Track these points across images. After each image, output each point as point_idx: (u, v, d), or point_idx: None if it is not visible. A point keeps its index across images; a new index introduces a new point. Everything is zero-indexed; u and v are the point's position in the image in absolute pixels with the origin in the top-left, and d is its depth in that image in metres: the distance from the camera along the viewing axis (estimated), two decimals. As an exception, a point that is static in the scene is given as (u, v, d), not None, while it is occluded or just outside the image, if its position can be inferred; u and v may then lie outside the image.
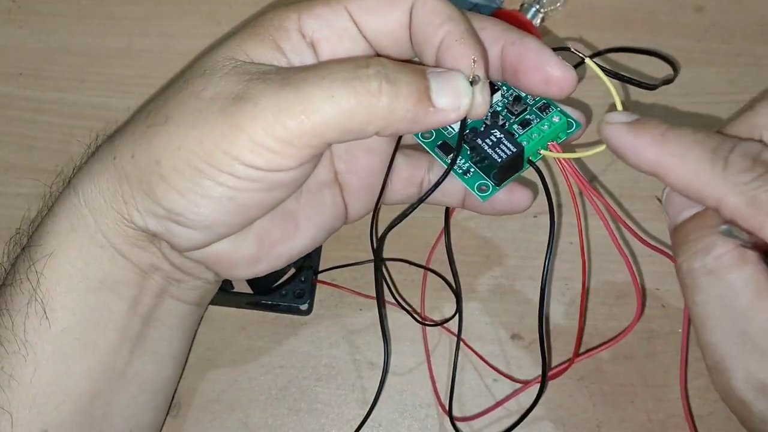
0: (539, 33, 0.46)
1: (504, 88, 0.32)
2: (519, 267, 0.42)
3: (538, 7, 0.47)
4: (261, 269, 0.32)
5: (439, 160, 0.32)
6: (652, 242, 0.35)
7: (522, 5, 0.48)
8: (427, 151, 0.32)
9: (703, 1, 0.50)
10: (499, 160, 0.29)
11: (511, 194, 0.33)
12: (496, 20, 0.30)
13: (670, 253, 0.30)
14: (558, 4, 0.49)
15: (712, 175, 0.25)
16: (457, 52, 0.27)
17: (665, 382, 0.40)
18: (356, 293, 0.41)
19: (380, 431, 0.39)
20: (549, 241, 0.32)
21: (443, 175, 0.30)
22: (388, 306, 0.40)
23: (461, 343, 0.39)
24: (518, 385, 0.39)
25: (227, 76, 0.27)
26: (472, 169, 0.31)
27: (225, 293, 0.40)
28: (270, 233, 0.31)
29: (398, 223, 0.31)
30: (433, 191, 0.30)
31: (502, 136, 0.30)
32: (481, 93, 0.27)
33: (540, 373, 0.36)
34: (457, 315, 0.39)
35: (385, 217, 0.38)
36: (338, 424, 0.39)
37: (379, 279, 0.35)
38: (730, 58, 0.48)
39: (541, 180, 0.31)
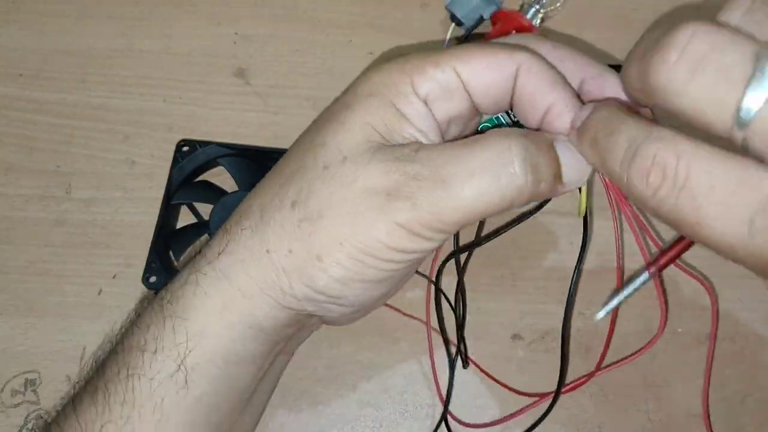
0: (539, 34, 0.46)
1: None
2: (519, 267, 0.42)
3: (538, 7, 0.47)
4: (378, 304, 0.35)
5: None
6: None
7: (522, 5, 0.48)
8: None
9: (702, 0, 0.50)
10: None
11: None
12: (576, 52, 0.31)
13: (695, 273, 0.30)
14: (558, 4, 0.49)
15: None
16: (569, 120, 0.28)
17: (665, 382, 0.40)
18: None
19: (381, 431, 0.39)
20: (583, 241, 0.33)
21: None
22: (386, 306, 0.40)
23: (461, 353, 0.39)
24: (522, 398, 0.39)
25: (372, 164, 0.28)
26: None
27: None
28: None
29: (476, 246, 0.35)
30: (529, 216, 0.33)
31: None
32: None
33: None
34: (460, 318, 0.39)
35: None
36: (338, 424, 0.39)
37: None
38: (730, 58, 0.48)
39: None
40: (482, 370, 0.40)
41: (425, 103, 0.29)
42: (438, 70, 0.29)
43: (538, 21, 0.47)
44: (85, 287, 0.42)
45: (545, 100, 0.29)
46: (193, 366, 0.29)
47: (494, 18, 0.47)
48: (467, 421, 0.39)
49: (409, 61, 0.29)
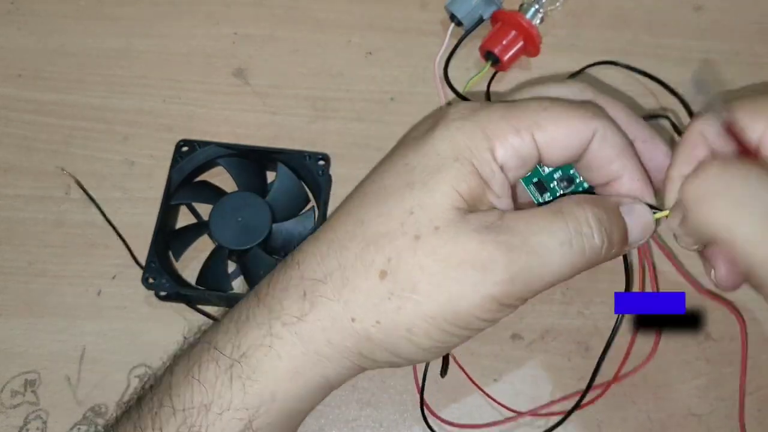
0: (539, 33, 0.46)
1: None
2: (519, 267, 0.42)
3: (537, 6, 0.47)
4: None
5: (533, 198, 0.33)
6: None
7: (522, 5, 0.48)
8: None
9: (702, 0, 0.50)
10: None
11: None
12: (632, 112, 0.32)
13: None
14: (557, 4, 0.49)
15: None
16: (637, 187, 0.30)
17: (665, 381, 0.40)
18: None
19: (381, 431, 0.39)
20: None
21: None
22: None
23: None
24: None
25: (463, 235, 0.28)
26: None
27: (224, 294, 0.40)
28: None
29: None
30: None
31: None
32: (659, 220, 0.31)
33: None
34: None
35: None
36: (338, 424, 0.39)
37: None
38: (729, 57, 0.48)
39: None
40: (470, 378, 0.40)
41: (501, 169, 0.29)
42: (518, 138, 0.29)
43: (538, 21, 0.47)
44: (85, 288, 0.42)
45: (614, 168, 0.30)
46: (260, 426, 0.29)
47: (494, 18, 0.47)
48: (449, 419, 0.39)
49: (490, 123, 0.29)
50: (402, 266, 0.28)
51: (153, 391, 0.31)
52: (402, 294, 0.28)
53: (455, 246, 0.28)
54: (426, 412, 0.38)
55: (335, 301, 0.29)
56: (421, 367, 0.39)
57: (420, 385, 0.39)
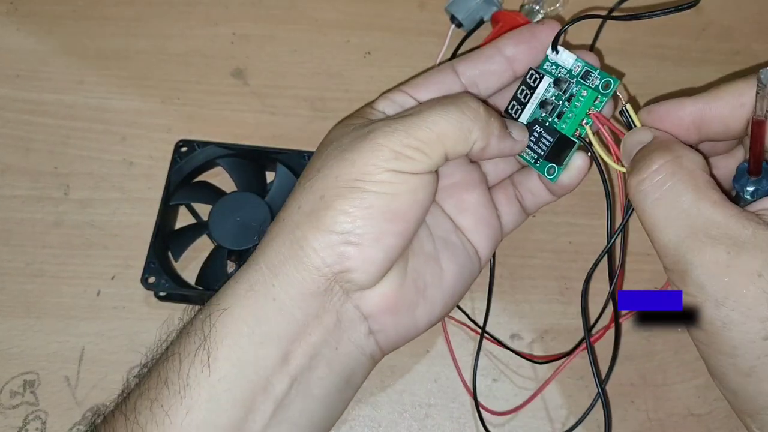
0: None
1: (547, 76, 0.36)
2: (518, 266, 0.42)
3: (537, 8, 0.47)
4: (420, 315, 0.34)
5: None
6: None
7: (522, 6, 0.48)
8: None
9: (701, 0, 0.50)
10: (542, 153, 0.36)
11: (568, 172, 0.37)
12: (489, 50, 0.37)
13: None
14: (558, 5, 0.49)
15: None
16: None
17: (665, 381, 0.40)
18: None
19: (380, 431, 0.39)
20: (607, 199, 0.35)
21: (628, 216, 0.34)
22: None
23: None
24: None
25: (354, 131, 0.33)
26: (540, 158, 0.36)
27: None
28: (422, 276, 0.34)
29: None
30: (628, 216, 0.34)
31: (541, 130, 0.36)
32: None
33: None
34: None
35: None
36: (337, 423, 0.39)
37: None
38: (728, 57, 0.48)
39: (590, 150, 0.35)
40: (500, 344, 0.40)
41: (384, 114, 0.35)
42: (391, 94, 0.36)
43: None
44: (84, 288, 0.41)
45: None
46: (216, 344, 0.30)
47: (494, 19, 0.47)
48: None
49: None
50: (313, 164, 0.33)
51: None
52: (312, 177, 0.32)
53: (349, 135, 0.33)
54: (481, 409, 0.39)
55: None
56: (424, 374, 0.39)
57: (472, 390, 0.39)
